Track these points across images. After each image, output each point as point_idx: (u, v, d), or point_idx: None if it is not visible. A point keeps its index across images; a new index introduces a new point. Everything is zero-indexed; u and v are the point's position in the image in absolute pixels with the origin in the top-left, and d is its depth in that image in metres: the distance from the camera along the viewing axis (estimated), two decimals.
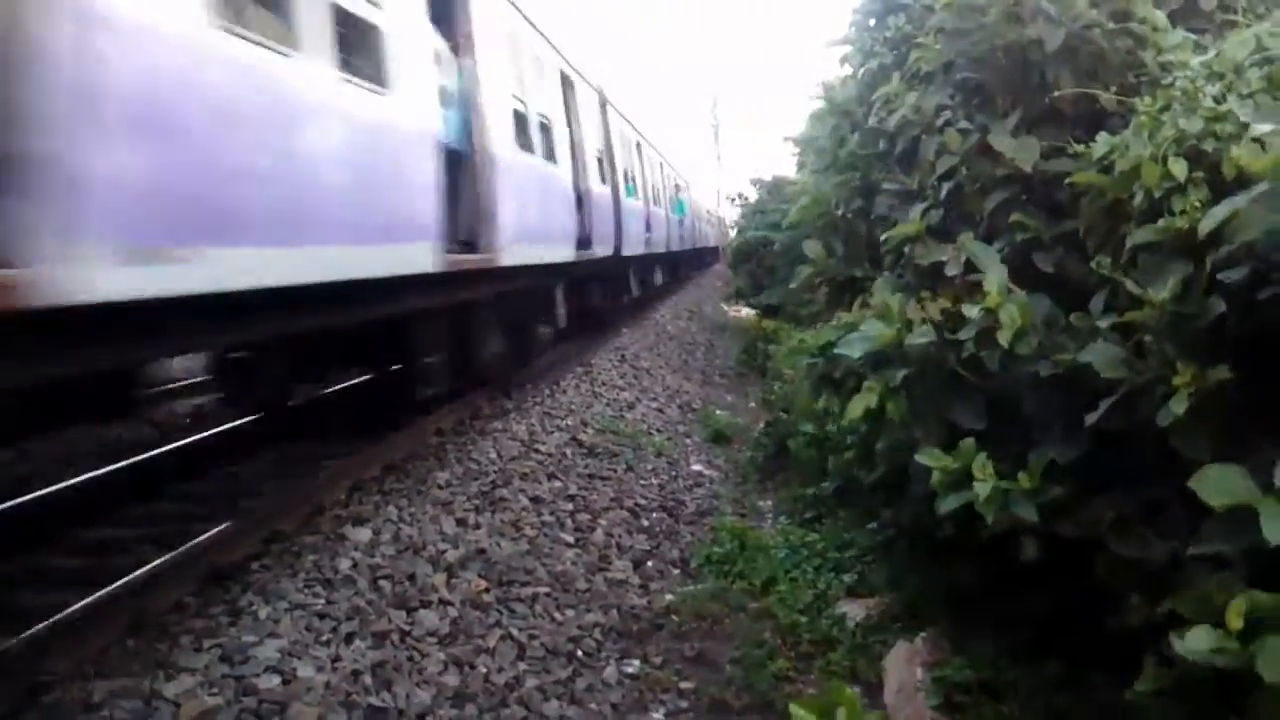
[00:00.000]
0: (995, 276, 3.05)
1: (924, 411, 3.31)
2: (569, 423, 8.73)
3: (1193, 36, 3.59)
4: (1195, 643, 2.02)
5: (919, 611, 4.78)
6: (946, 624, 4.45)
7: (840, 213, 5.36)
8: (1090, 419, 2.62)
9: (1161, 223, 2.53)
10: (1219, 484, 2.15)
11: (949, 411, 3.22)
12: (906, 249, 3.92)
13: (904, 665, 4.39)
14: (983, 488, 2.88)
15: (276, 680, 3.69)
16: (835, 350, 3.91)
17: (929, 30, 4.16)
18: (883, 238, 4.14)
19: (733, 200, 28.17)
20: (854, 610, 5.14)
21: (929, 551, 4.34)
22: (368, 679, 3.86)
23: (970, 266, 3.34)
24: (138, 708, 3.40)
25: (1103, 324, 2.76)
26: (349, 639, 4.10)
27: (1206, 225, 2.32)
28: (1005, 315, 2.90)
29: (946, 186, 3.92)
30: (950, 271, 3.43)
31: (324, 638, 4.06)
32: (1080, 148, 3.17)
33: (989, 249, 3.31)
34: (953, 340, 3.13)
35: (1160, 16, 3.68)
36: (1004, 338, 2.90)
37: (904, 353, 3.27)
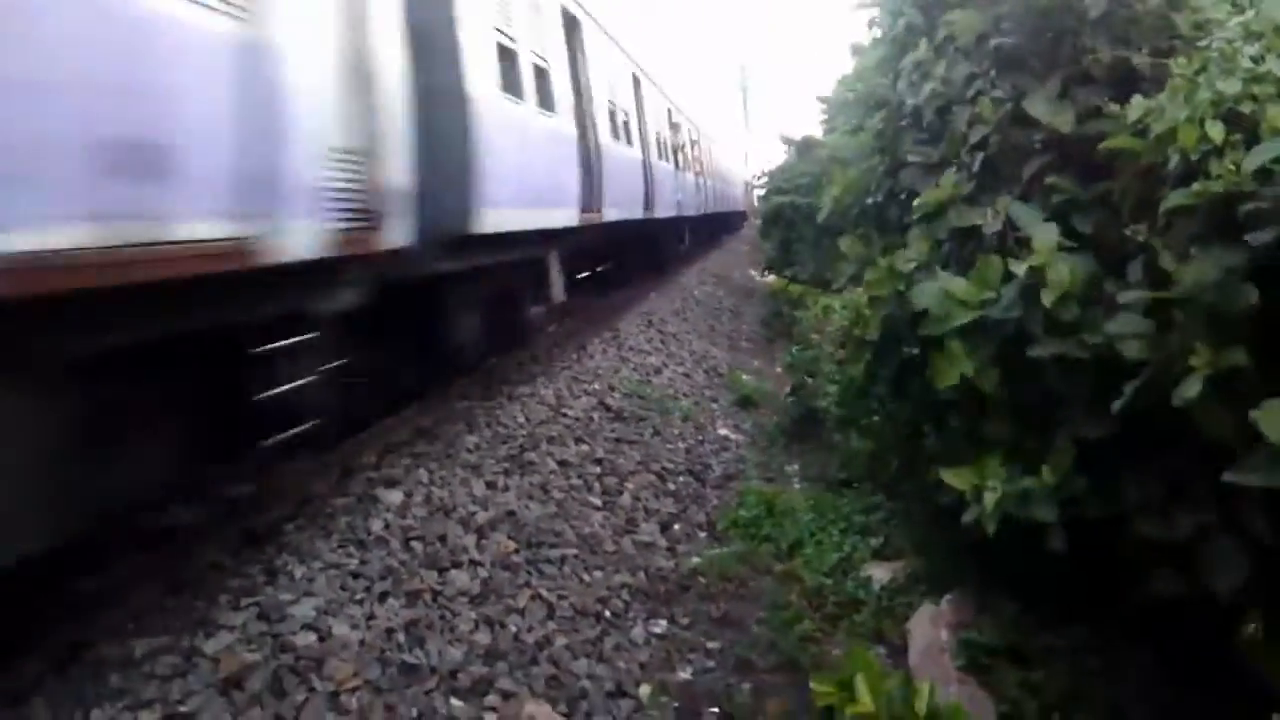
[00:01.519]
0: (1045, 233, 2.97)
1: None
2: (596, 387, 8.77)
3: None
4: None
5: (943, 575, 4.80)
6: (971, 588, 4.48)
7: (871, 201, 5.35)
8: (1116, 406, 2.62)
9: (1196, 185, 2.50)
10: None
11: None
12: (939, 212, 3.86)
13: (929, 627, 4.42)
14: (990, 498, 2.95)
15: (313, 637, 3.77)
16: (918, 308, 3.55)
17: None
18: (915, 204, 4.07)
19: (755, 179, 27.70)
20: (879, 573, 5.18)
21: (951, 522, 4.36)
22: (401, 637, 3.95)
23: (1010, 229, 3.29)
24: (177, 663, 3.50)
25: (1127, 298, 2.73)
26: (382, 598, 4.18)
27: (1252, 161, 2.29)
28: (1053, 274, 2.84)
29: (980, 156, 3.86)
30: (989, 230, 3.37)
31: (358, 597, 4.14)
32: (1115, 108, 3.12)
33: (1031, 209, 3.25)
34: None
35: None
36: (1048, 298, 2.84)
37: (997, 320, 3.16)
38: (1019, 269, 2.98)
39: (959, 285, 3.25)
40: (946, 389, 3.34)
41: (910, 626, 4.59)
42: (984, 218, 3.40)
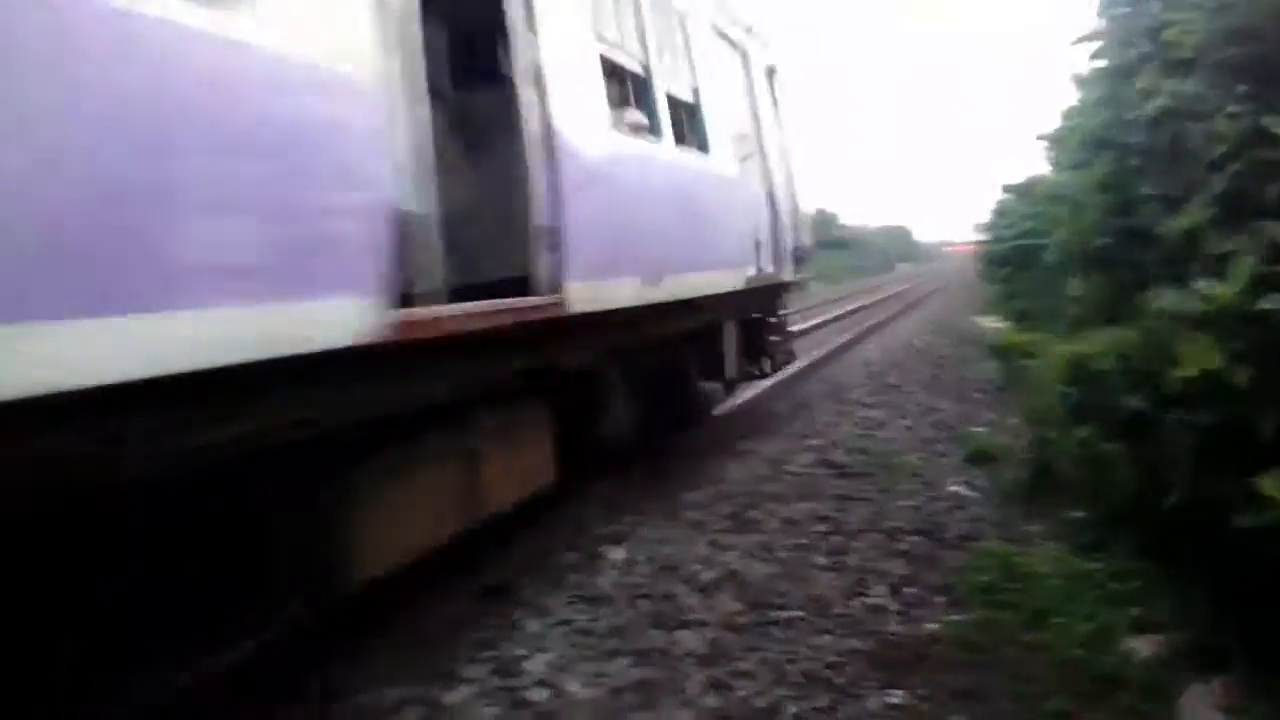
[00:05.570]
0: None
1: None
2: (817, 443, 8.61)
3: None
4: None
5: (1210, 649, 4.33)
6: (1242, 663, 4.02)
7: (1100, 243, 4.99)
8: None
9: None
10: None
11: None
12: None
13: (1200, 709, 3.99)
14: None
15: (546, 693, 3.84)
16: None
17: (1187, 7, 3.78)
18: (1183, 226, 3.68)
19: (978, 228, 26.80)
20: (1141, 646, 4.72)
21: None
22: (630, 696, 3.95)
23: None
24: (422, 713, 3.65)
25: None
26: (611, 656, 4.21)
27: None
28: None
29: (1217, 179, 3.51)
30: None
31: (588, 653, 4.19)
32: None
33: None
34: None
35: None
36: None
37: None
38: None
39: None
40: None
41: (1181, 706, 4.15)
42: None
